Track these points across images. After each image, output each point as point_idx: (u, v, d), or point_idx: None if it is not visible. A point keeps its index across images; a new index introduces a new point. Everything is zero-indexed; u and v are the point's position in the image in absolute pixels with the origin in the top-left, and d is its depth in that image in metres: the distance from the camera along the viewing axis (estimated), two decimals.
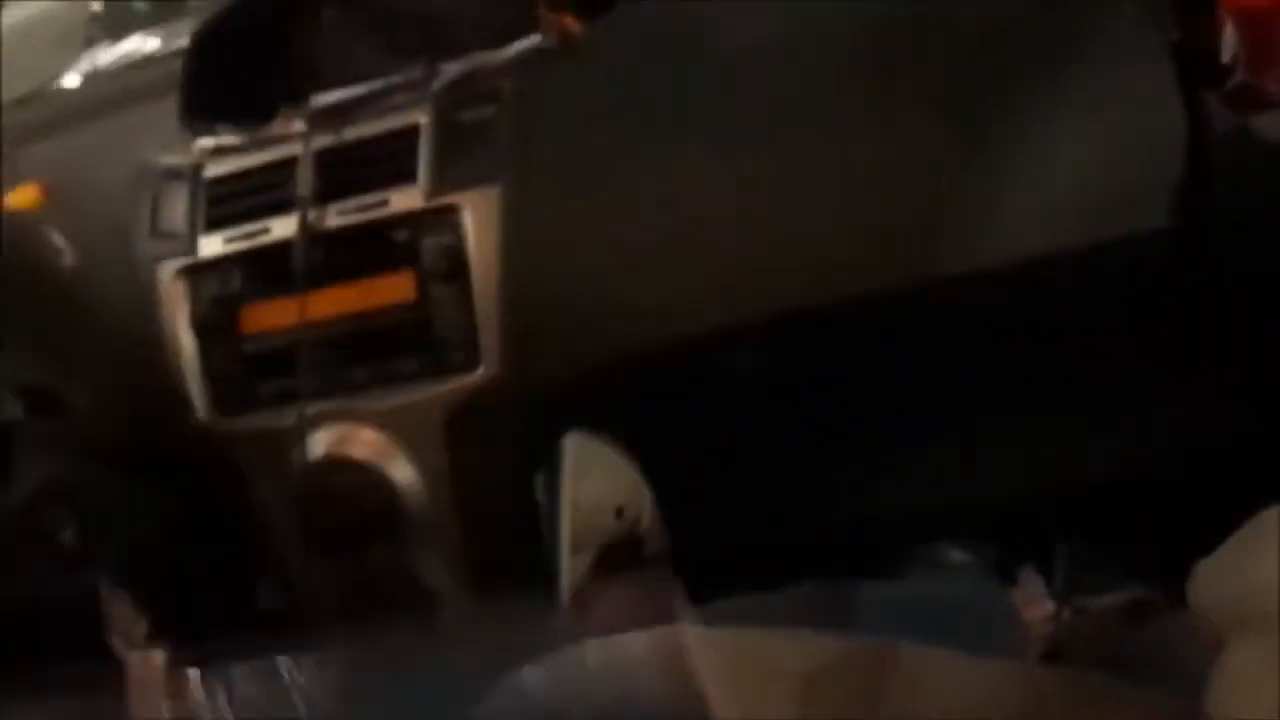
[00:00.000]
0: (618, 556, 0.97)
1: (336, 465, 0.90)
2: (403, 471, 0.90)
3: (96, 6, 2.10)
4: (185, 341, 0.95)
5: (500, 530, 0.91)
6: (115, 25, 1.71)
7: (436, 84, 0.92)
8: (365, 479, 0.90)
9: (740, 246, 0.84)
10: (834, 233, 0.83)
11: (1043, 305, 0.83)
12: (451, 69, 0.93)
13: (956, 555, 1.01)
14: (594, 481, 0.95)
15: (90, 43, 1.64)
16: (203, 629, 1.00)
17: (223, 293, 0.94)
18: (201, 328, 0.94)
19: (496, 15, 0.96)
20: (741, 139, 0.86)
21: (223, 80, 1.05)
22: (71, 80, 1.42)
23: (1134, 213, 0.77)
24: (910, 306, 0.84)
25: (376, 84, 0.96)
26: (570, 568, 0.92)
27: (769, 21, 0.90)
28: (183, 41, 1.14)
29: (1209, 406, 0.81)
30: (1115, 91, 0.79)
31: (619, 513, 0.97)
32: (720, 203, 0.85)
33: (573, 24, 0.94)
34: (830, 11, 0.88)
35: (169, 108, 1.07)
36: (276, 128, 0.97)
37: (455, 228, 0.87)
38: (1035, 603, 0.90)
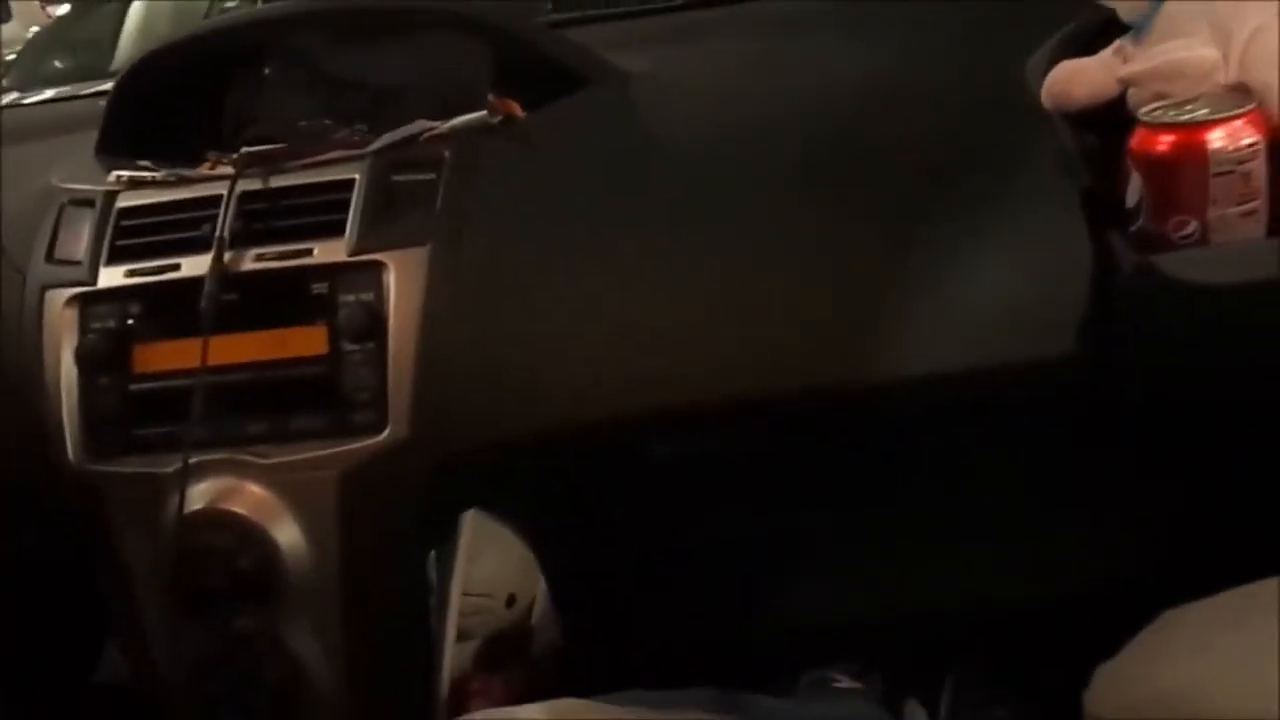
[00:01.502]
0: (504, 648, 0.92)
1: (216, 519, 0.85)
2: (287, 532, 0.85)
3: (10, 56, 2.06)
4: (67, 375, 0.89)
5: (383, 606, 0.86)
6: (29, 79, 1.67)
7: (375, 145, 0.92)
8: (245, 536, 0.84)
9: (662, 336, 0.85)
10: (756, 331, 0.84)
11: (952, 421, 0.86)
12: (393, 134, 0.93)
13: (844, 681, 1.00)
14: (488, 565, 0.91)
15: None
16: (33, 696, 0.91)
17: (117, 327, 0.89)
18: (87, 362, 0.88)
19: (442, 90, 0.97)
20: (673, 233, 0.88)
21: (150, 117, 1.03)
22: None
23: (1044, 339, 0.81)
24: (822, 410, 0.85)
25: (313, 140, 0.95)
26: (452, 655, 0.88)
27: (713, 124, 0.94)
28: (105, 85, 1.11)
29: (1110, 531, 0.83)
30: (1031, 228, 0.84)
31: (510, 600, 0.93)
32: (646, 292, 0.86)
33: (517, 109, 0.95)
34: (776, 123, 0.92)
35: (86, 140, 1.04)
36: (202, 168, 0.95)
37: (377, 285, 0.85)
38: None
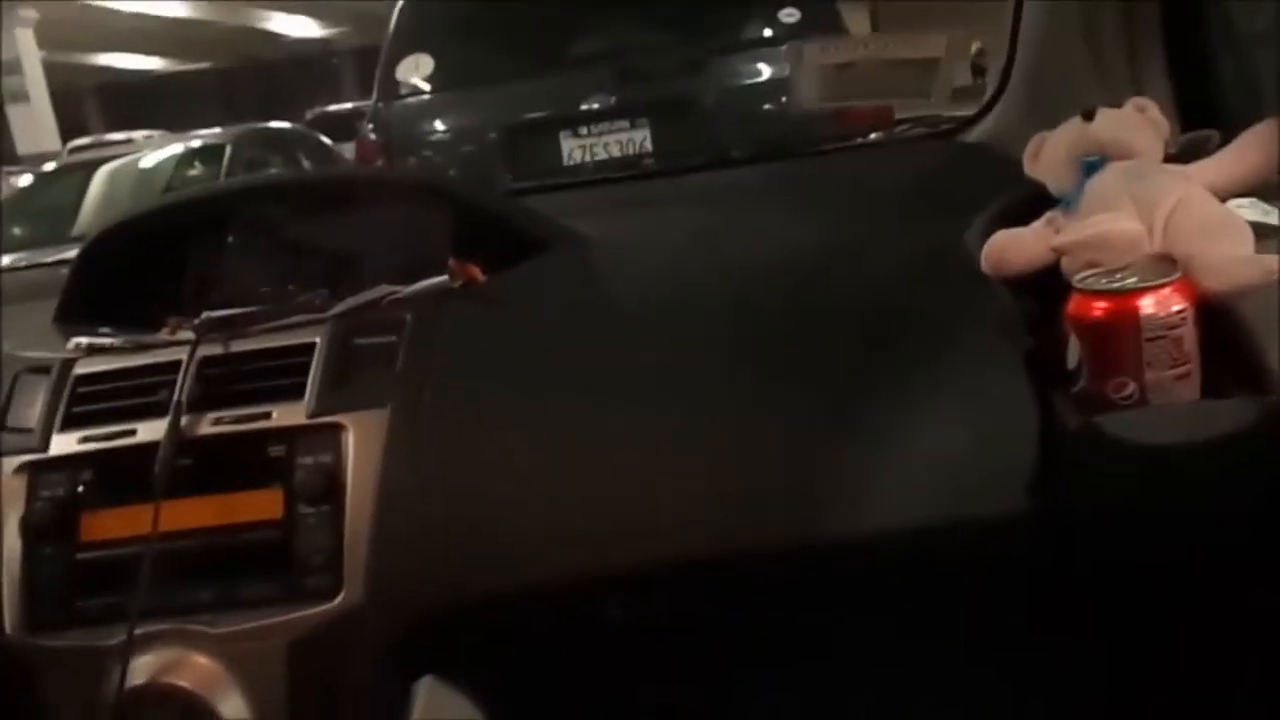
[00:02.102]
0: None
1: (159, 695, 0.81)
2: (232, 705, 0.82)
3: None
4: (9, 545, 0.87)
5: None
6: None
7: (337, 309, 0.93)
8: (189, 712, 0.81)
9: (613, 497, 0.85)
10: (705, 492, 0.85)
11: (899, 581, 0.86)
12: (355, 298, 0.94)
13: None
14: None
15: None
16: None
17: (65, 495, 0.87)
18: (32, 531, 0.86)
19: (403, 256, 1.00)
20: (629, 395, 0.89)
21: (110, 285, 1.04)
22: None
23: (991, 497, 0.82)
24: (767, 570, 0.85)
25: (274, 305, 0.96)
26: None
27: (665, 291, 0.97)
28: (66, 254, 1.13)
29: (1058, 696, 0.83)
30: (976, 390, 0.86)
31: None
32: (603, 454, 0.86)
33: (478, 273, 0.98)
34: (724, 291, 0.95)
35: (44, 308, 1.05)
36: (162, 334, 0.95)
37: (335, 447, 0.85)
38: None
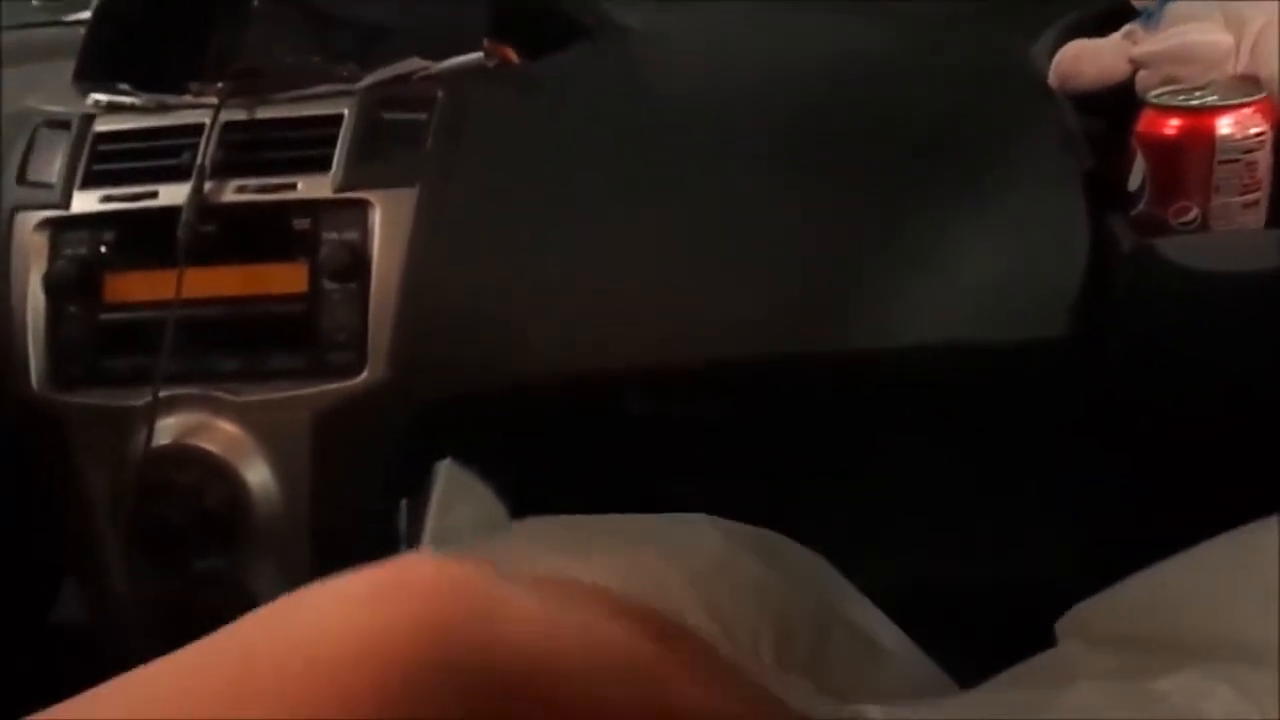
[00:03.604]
0: None
1: (183, 455, 0.82)
2: (257, 471, 0.83)
3: None
4: (34, 301, 0.86)
5: (351, 551, 0.84)
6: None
7: (366, 81, 0.89)
8: (212, 473, 0.82)
9: (644, 295, 0.83)
10: (746, 293, 0.83)
11: (934, 398, 0.85)
12: (384, 71, 0.90)
13: None
14: (460, 517, 0.89)
15: None
16: None
17: (89, 254, 0.86)
18: (56, 288, 0.85)
19: (436, 32, 0.95)
20: (668, 190, 0.86)
21: (131, 45, 1.00)
22: None
23: (1037, 319, 0.80)
24: (809, 375, 0.84)
25: (300, 75, 0.92)
26: None
27: (711, 85, 0.92)
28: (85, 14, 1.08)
29: (1084, 522, 0.83)
30: (1030, 208, 0.83)
31: None
32: (630, 251, 0.84)
33: (513, 55, 0.93)
34: (776, 87, 0.90)
35: (63, 68, 1.01)
36: (185, 96, 0.92)
37: (362, 224, 0.83)
38: None
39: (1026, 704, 0.51)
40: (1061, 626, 0.59)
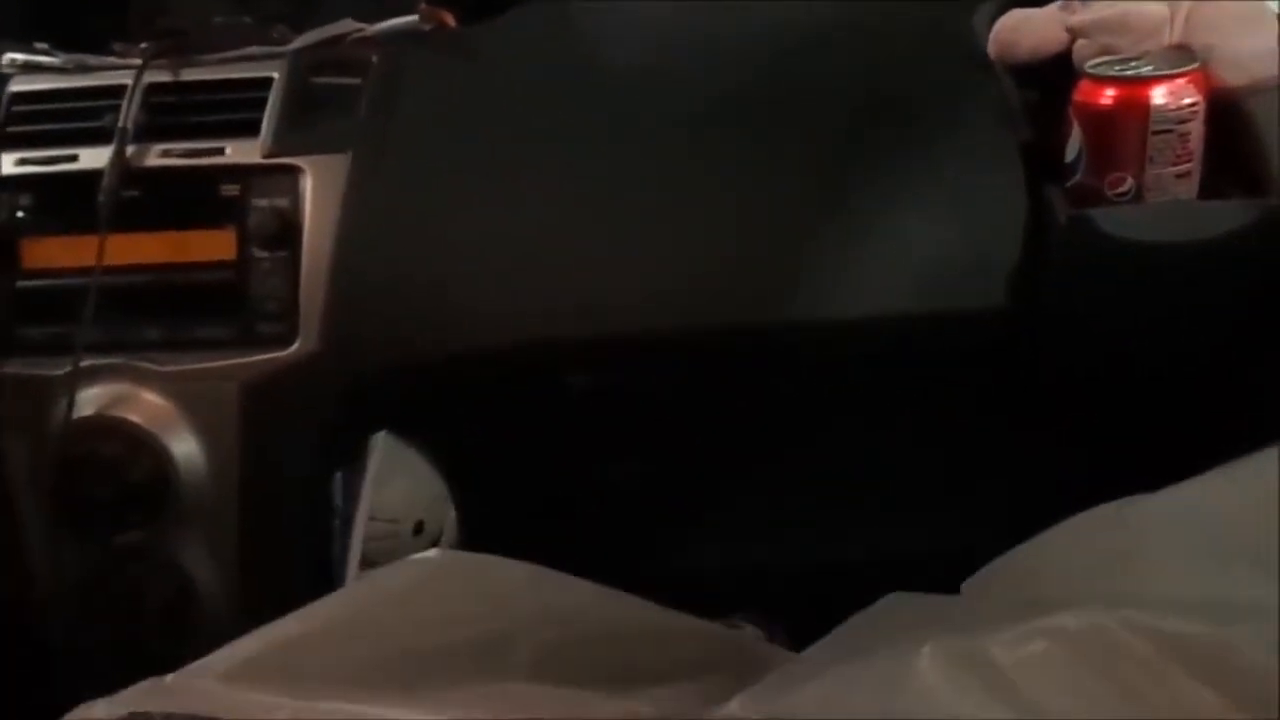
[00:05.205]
0: None
1: (105, 426, 0.80)
2: (183, 444, 0.81)
3: None
4: None
5: (283, 526, 0.82)
6: None
7: (297, 43, 0.87)
8: (136, 446, 0.80)
9: (581, 264, 0.82)
10: (683, 264, 0.82)
11: (874, 369, 0.85)
12: (316, 33, 0.88)
13: (747, 628, 0.99)
14: (396, 490, 0.88)
15: None
16: None
17: (5, 219, 0.83)
18: None
19: None
20: (605, 159, 0.84)
21: (50, 2, 0.96)
22: None
23: (974, 289, 0.80)
24: (742, 349, 0.83)
25: (228, 36, 0.89)
26: (354, 581, 0.84)
27: (652, 52, 0.91)
28: None
29: (1022, 492, 0.84)
30: (969, 180, 0.83)
31: (418, 528, 0.91)
32: (568, 218, 0.83)
33: (449, 18, 0.91)
34: (715, 56, 0.89)
35: None
36: (107, 57, 0.89)
37: (293, 190, 0.81)
38: None
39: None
40: (967, 587, 0.59)
